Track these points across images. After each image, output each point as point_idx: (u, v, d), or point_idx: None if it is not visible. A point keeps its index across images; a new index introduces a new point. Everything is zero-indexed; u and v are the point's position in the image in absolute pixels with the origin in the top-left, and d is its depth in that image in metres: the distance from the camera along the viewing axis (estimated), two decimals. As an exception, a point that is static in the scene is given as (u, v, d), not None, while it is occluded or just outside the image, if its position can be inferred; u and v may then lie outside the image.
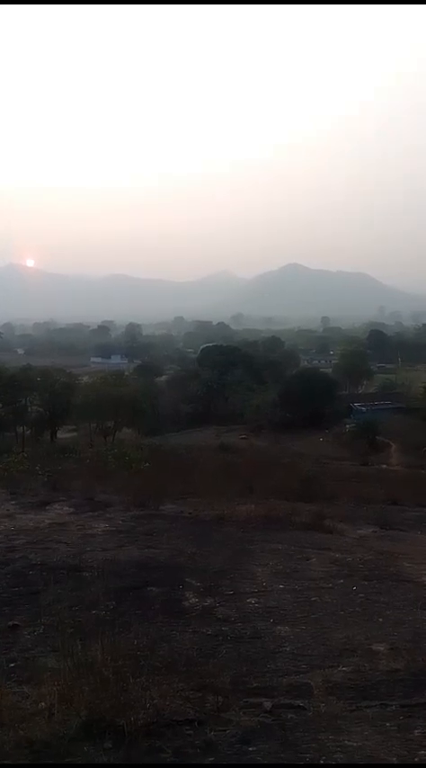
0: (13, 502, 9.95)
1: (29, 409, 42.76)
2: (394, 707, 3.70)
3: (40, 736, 3.21)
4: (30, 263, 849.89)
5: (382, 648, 4.55)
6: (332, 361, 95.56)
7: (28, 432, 41.29)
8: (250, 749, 3.24)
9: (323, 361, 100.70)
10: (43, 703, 3.52)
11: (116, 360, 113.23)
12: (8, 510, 9.31)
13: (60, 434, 41.84)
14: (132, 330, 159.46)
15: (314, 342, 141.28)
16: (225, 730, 3.40)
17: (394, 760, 3.10)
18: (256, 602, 5.53)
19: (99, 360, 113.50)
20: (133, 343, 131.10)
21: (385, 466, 33.27)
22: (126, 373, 64.91)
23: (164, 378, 74.76)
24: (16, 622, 5.02)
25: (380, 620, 5.15)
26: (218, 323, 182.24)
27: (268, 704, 3.69)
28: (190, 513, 9.37)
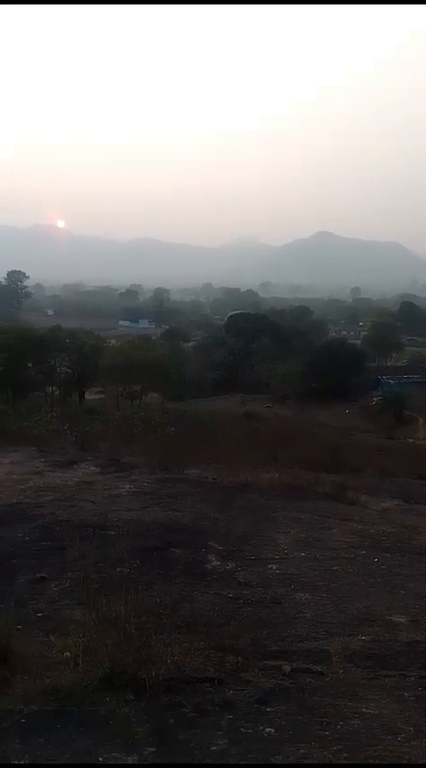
0: (42, 460, 10.16)
1: (58, 370, 43.30)
2: (413, 678, 3.72)
3: (65, 684, 3.32)
4: (60, 224, 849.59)
5: (402, 620, 4.57)
6: (361, 333, 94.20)
7: (56, 392, 41.90)
8: (267, 709, 3.30)
9: (351, 332, 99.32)
10: (68, 653, 3.63)
11: (143, 324, 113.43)
12: (37, 467, 9.52)
13: (88, 396, 42.37)
14: (160, 295, 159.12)
15: (343, 312, 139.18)
16: (243, 690, 3.47)
17: (411, 730, 3.13)
18: (277, 569, 5.58)
19: (127, 323, 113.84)
20: (161, 308, 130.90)
21: (411, 440, 32.98)
22: (153, 338, 65.05)
23: (190, 344, 74.75)
24: (44, 575, 5.17)
25: (401, 591, 5.16)
26: (246, 290, 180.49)
27: (286, 667, 3.75)
28: (213, 479, 9.45)
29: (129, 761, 2.80)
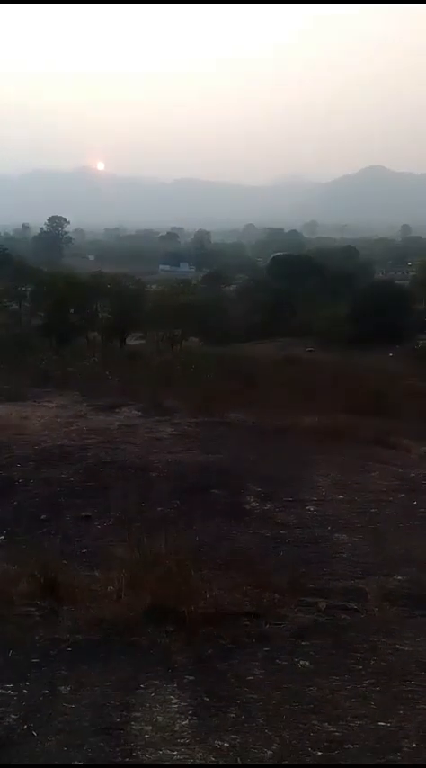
0: (85, 404, 10.38)
1: (99, 315, 43.67)
2: (449, 618, 3.75)
3: (108, 615, 3.49)
4: (100, 166, 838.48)
5: (440, 562, 4.57)
6: (410, 273, 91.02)
7: (98, 338, 42.40)
8: (303, 643, 3.40)
9: (399, 273, 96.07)
10: (111, 587, 3.79)
11: (184, 268, 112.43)
12: (80, 411, 9.75)
13: (129, 341, 42.76)
14: (201, 237, 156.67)
15: (391, 252, 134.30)
16: (280, 624, 3.58)
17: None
18: (315, 510, 5.64)
19: (167, 267, 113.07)
20: (202, 250, 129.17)
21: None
22: (193, 282, 64.53)
23: (232, 287, 73.90)
24: (88, 514, 5.37)
25: (440, 535, 5.15)
26: (290, 231, 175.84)
27: (322, 604, 3.83)
28: (253, 422, 9.48)
29: (169, 688, 2.95)
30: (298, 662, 3.22)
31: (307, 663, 3.22)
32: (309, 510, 5.64)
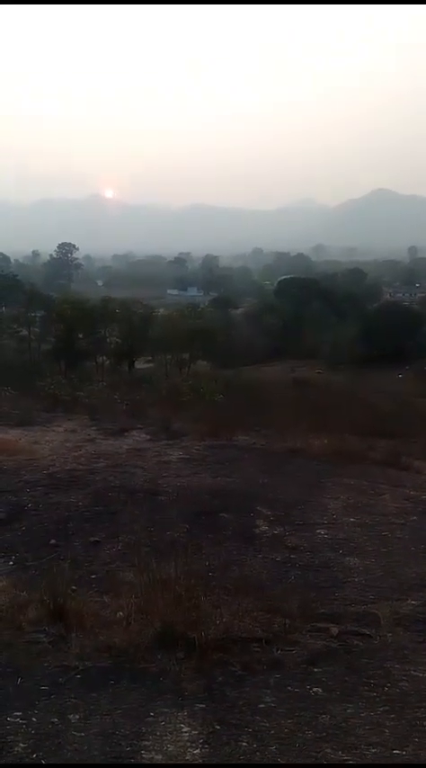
0: (94, 428, 10.41)
1: (108, 340, 43.95)
2: (463, 642, 3.68)
3: (118, 642, 3.46)
4: (109, 194, 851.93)
5: (454, 586, 4.50)
6: (418, 295, 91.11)
7: (107, 362, 42.62)
8: (315, 670, 3.35)
9: (407, 294, 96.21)
10: (121, 613, 3.77)
11: (192, 292, 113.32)
12: (89, 435, 9.77)
13: (137, 365, 42.95)
14: (209, 262, 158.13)
15: (399, 273, 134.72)
16: (292, 651, 3.52)
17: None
18: (326, 534, 5.58)
19: (175, 292, 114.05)
20: (210, 275, 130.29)
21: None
22: (201, 306, 64.97)
23: (240, 310, 74.27)
24: (97, 539, 5.35)
25: (453, 558, 5.07)
26: (297, 254, 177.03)
27: (335, 630, 3.77)
28: (262, 445, 9.46)
29: (180, 716, 2.90)
30: (311, 689, 3.17)
31: (320, 690, 3.16)
32: (320, 533, 5.59)
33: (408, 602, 4.22)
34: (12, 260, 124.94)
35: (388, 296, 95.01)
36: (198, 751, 2.66)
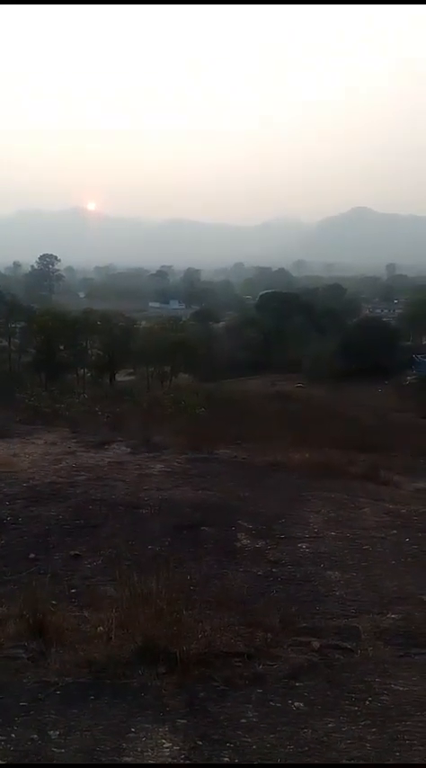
0: (75, 440, 10.34)
1: (89, 352, 43.79)
2: (443, 656, 3.71)
3: (99, 657, 3.42)
4: (91, 206, 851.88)
5: (434, 599, 4.54)
6: (396, 311, 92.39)
7: (88, 374, 42.42)
8: (297, 684, 3.34)
9: (386, 310, 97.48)
10: (102, 627, 3.72)
11: (174, 305, 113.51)
12: (70, 448, 9.69)
13: (119, 378, 42.81)
14: (191, 276, 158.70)
15: (378, 290, 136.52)
16: (273, 665, 3.52)
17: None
18: (307, 547, 5.60)
19: (157, 305, 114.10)
20: (191, 288, 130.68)
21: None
22: (183, 319, 65.09)
23: (221, 324, 74.55)
24: (77, 552, 5.29)
25: (433, 571, 5.12)
26: (278, 269, 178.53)
27: (316, 644, 3.78)
28: (244, 458, 9.48)
29: (161, 732, 2.88)
30: (292, 703, 3.16)
31: (301, 704, 3.16)
32: (301, 547, 5.60)
33: (389, 615, 4.24)
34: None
35: (367, 311, 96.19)
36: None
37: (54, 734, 2.83)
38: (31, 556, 5.22)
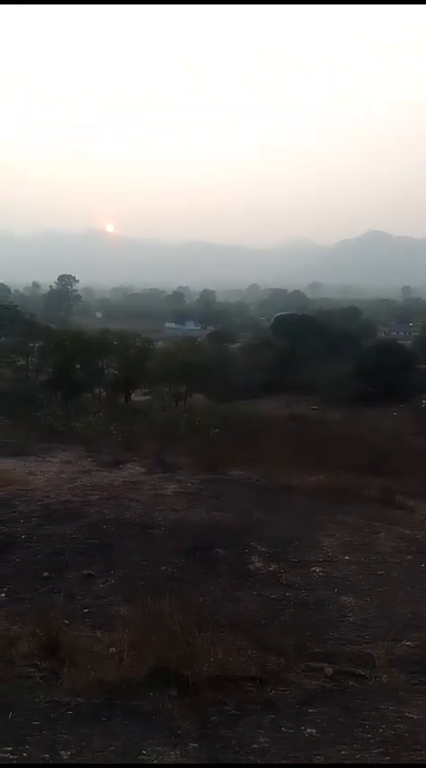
0: (90, 459, 10.40)
1: (105, 372, 44.07)
2: (458, 685, 3.65)
3: (111, 678, 3.42)
4: (109, 228, 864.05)
5: (449, 627, 4.48)
6: (412, 333, 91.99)
7: (104, 393, 42.65)
8: (309, 710, 3.31)
9: (402, 333, 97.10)
10: (114, 648, 3.73)
11: (190, 326, 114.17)
12: (85, 467, 9.75)
13: (134, 397, 42.96)
14: (206, 297, 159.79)
15: (393, 312, 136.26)
16: (286, 691, 3.49)
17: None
18: (321, 572, 5.56)
19: (173, 325, 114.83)
20: (207, 309, 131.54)
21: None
22: (199, 340, 65.41)
23: (236, 345, 74.76)
24: (91, 572, 5.30)
25: (449, 598, 5.05)
26: (294, 291, 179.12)
27: (329, 670, 3.74)
28: (258, 480, 9.46)
29: (172, 755, 2.86)
30: (305, 730, 3.13)
31: (314, 731, 3.12)
32: (315, 571, 5.57)
33: (403, 642, 4.19)
34: (12, 290, 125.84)
35: (383, 334, 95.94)
36: (190, 792, 2.62)
37: (65, 754, 2.83)
38: (45, 574, 5.24)
